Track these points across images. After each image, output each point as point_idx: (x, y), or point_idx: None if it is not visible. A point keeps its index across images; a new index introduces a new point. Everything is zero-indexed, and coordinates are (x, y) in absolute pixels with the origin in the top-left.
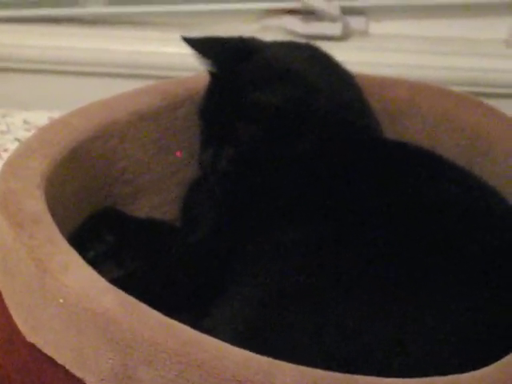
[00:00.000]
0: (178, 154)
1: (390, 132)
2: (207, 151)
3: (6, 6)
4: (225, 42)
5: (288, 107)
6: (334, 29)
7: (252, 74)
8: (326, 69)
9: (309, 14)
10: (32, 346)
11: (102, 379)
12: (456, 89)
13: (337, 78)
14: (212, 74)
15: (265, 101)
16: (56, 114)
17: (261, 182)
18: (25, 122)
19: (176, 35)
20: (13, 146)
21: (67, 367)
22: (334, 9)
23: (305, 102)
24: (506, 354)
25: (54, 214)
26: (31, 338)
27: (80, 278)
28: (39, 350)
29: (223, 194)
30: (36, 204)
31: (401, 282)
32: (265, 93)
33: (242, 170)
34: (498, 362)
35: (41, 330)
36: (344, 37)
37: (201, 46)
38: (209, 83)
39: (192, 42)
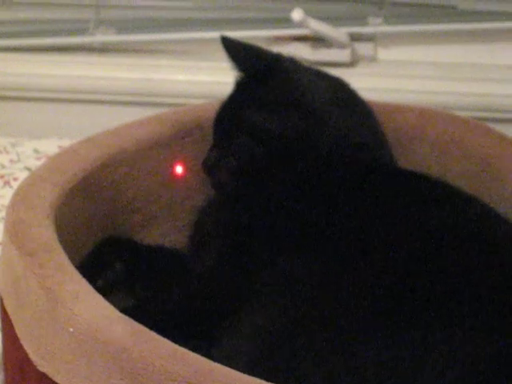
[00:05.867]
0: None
1: (399, 158)
2: (212, 154)
3: (16, 34)
4: (259, 54)
5: (287, 136)
6: (343, 55)
7: (265, 95)
8: (346, 106)
9: (317, 40)
10: (43, 375)
11: None
12: (465, 114)
13: (355, 116)
14: (236, 81)
15: (262, 125)
16: (66, 143)
17: (262, 203)
18: (35, 150)
19: (185, 63)
20: (23, 175)
21: None
22: (342, 35)
23: (307, 136)
24: None
25: (63, 243)
26: (42, 367)
27: (90, 307)
28: (50, 379)
29: (223, 201)
30: (46, 233)
31: (410, 312)
32: (267, 117)
33: (242, 184)
34: None
35: (52, 359)
36: (352, 63)
37: (234, 49)
38: (232, 89)
39: (227, 43)
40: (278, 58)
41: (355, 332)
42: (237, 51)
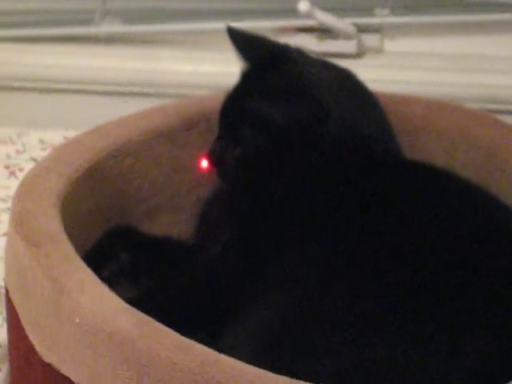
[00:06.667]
0: None
1: (406, 149)
2: (217, 144)
3: (22, 25)
4: (265, 45)
5: (292, 127)
6: (349, 46)
7: (271, 85)
8: (352, 97)
9: (323, 31)
10: (48, 366)
11: None
12: (472, 106)
13: (361, 107)
14: (242, 72)
15: (266, 114)
16: (71, 133)
17: (268, 194)
18: (40, 141)
19: (191, 54)
20: (28, 166)
21: None
22: (348, 26)
23: (312, 126)
24: None
25: (69, 233)
26: (47, 357)
27: (96, 297)
28: (56, 370)
29: (229, 191)
30: (52, 223)
31: (417, 307)
32: (272, 107)
33: (248, 174)
34: None
35: (57, 349)
36: (359, 54)
37: (240, 39)
38: (238, 80)
39: (233, 33)
40: (284, 49)
41: (361, 325)
42: (243, 42)
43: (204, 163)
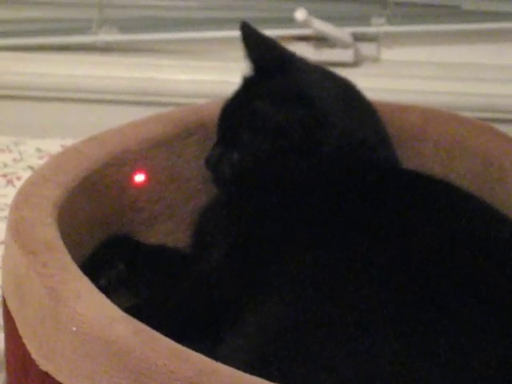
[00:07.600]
0: None
1: (403, 158)
2: (215, 150)
3: (20, 34)
4: (274, 49)
5: (290, 131)
6: (346, 55)
7: (272, 89)
8: (351, 106)
9: (320, 40)
10: (45, 375)
11: None
12: (468, 115)
13: (360, 116)
14: (243, 77)
15: (266, 113)
16: (69, 142)
17: (266, 200)
18: (37, 149)
19: (188, 62)
20: (26, 174)
21: None
22: (345, 35)
23: (311, 132)
24: None
25: (66, 242)
26: (45, 366)
27: (93, 306)
28: (53, 378)
29: (226, 200)
30: (49, 232)
31: (417, 315)
32: (273, 109)
33: (245, 180)
34: None
35: (54, 358)
36: (356, 63)
37: (251, 37)
38: (239, 85)
39: (246, 30)
40: (291, 56)
41: (360, 332)
42: (253, 41)
43: (138, 177)
